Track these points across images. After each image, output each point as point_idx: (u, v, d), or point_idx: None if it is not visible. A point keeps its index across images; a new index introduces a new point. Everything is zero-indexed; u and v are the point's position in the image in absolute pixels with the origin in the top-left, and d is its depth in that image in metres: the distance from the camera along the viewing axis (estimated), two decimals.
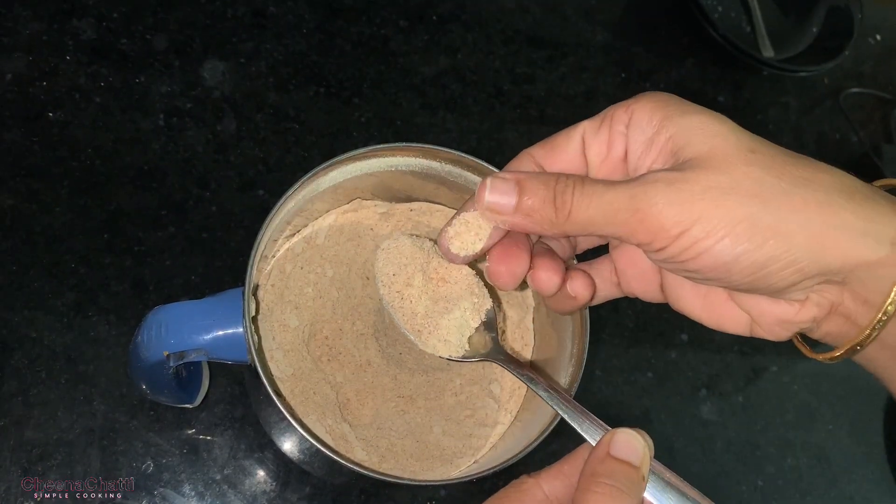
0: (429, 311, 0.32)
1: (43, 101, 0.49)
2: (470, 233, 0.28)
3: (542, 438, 0.34)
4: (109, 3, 0.53)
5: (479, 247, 0.28)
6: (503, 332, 0.43)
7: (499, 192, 0.25)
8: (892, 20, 0.79)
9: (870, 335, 0.24)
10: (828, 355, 0.26)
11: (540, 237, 0.30)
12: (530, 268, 0.28)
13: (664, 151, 0.25)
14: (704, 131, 0.24)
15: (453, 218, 0.28)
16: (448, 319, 0.32)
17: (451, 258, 0.28)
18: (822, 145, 0.70)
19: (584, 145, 0.27)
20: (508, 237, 0.28)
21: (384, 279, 0.32)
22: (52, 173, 0.48)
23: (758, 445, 0.57)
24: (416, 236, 0.33)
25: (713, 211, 0.23)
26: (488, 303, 0.33)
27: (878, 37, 0.78)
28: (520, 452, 0.34)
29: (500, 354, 0.32)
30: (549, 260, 0.28)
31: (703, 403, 0.56)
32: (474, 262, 0.37)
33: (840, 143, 0.71)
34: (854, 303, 0.24)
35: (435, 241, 0.33)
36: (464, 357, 0.32)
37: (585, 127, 0.27)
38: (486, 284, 0.33)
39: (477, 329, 0.32)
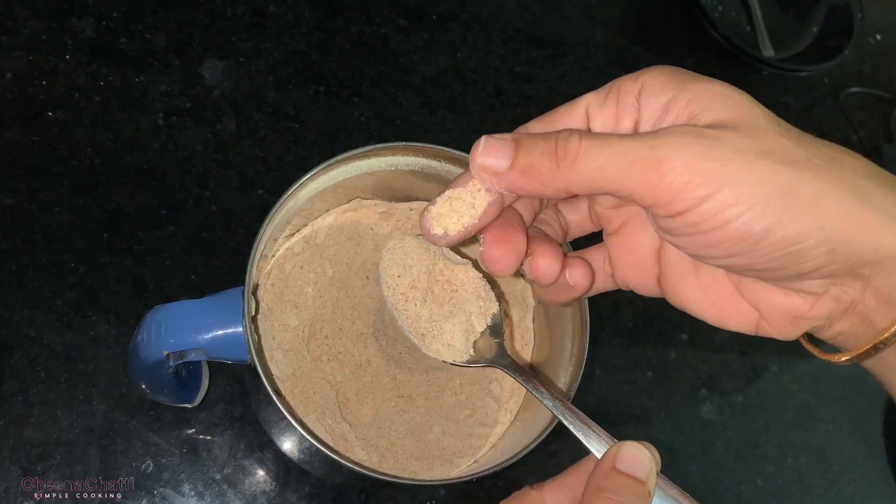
0: (433, 315, 0.31)
1: (42, 101, 0.49)
2: (454, 213, 0.25)
3: (542, 438, 0.34)
4: (109, 3, 0.53)
5: (462, 227, 0.25)
6: (509, 333, 0.43)
7: (493, 150, 0.23)
8: (892, 20, 0.79)
9: (892, 337, 0.22)
10: (843, 357, 0.24)
11: (533, 222, 0.28)
12: (527, 254, 0.26)
13: (682, 117, 0.23)
14: (725, 99, 0.22)
15: (438, 196, 0.25)
16: (452, 324, 0.31)
17: (434, 240, 0.25)
18: None
19: (588, 119, 0.25)
20: (502, 218, 0.25)
21: (388, 280, 0.31)
22: (52, 173, 0.48)
23: (758, 445, 0.57)
24: (423, 237, 0.33)
25: (746, 174, 0.20)
26: (494, 307, 0.32)
27: (878, 37, 0.78)
28: (520, 452, 0.34)
29: (504, 360, 0.31)
30: (548, 245, 0.26)
31: (703, 403, 0.56)
32: (479, 263, 0.36)
33: (840, 143, 0.71)
34: (875, 301, 0.22)
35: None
36: (468, 362, 0.31)
37: (590, 99, 0.25)
38: (493, 288, 0.33)
39: (482, 334, 0.32)
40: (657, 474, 0.25)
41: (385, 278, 0.32)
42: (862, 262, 0.21)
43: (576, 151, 0.22)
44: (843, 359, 0.24)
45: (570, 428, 0.27)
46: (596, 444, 0.26)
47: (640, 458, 0.24)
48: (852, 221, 0.21)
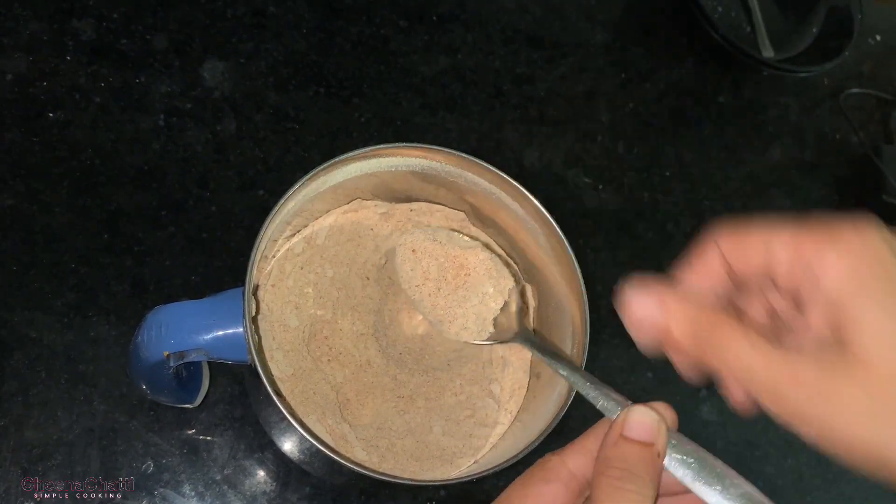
0: (448, 302, 0.33)
1: (43, 101, 0.49)
2: None
3: (542, 439, 0.34)
4: (109, 3, 0.53)
5: None
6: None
7: (643, 323, 0.25)
8: (892, 20, 0.79)
9: None
10: None
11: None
12: None
13: (828, 323, 0.23)
14: (879, 335, 0.22)
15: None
16: (465, 308, 0.32)
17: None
18: (822, 145, 0.70)
19: (773, 270, 0.25)
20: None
21: (404, 275, 0.33)
22: (52, 173, 0.48)
23: (758, 445, 0.56)
24: (431, 228, 0.34)
25: (845, 426, 0.22)
26: (510, 283, 0.33)
27: (878, 37, 0.78)
28: (520, 452, 0.34)
29: (524, 334, 0.32)
30: None
31: (703, 403, 0.56)
32: (494, 244, 0.38)
33: (840, 144, 0.71)
34: None
35: (450, 229, 0.34)
36: (487, 340, 0.32)
37: (783, 258, 0.24)
38: (507, 265, 0.34)
39: (502, 310, 0.33)
40: (668, 432, 0.25)
41: (401, 273, 0.33)
42: None
43: (722, 366, 0.24)
44: None
45: (586, 395, 0.27)
46: (612, 409, 0.27)
47: (645, 421, 0.24)
48: None
